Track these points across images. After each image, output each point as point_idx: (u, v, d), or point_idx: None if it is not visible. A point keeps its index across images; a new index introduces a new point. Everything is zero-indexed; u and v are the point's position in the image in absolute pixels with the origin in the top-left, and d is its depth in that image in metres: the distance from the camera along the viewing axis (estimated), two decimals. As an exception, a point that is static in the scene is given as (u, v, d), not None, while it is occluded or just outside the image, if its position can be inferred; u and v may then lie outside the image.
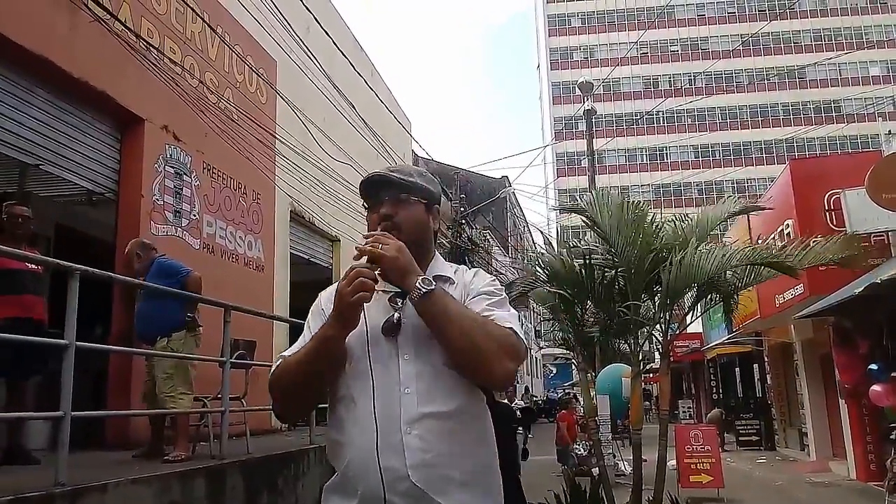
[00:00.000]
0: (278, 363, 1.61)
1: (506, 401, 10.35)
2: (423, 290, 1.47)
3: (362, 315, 1.50)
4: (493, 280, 1.70)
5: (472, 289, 1.63)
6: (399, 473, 1.42)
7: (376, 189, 1.65)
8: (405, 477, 1.42)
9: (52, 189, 7.00)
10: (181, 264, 5.46)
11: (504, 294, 1.65)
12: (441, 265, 1.69)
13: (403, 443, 1.43)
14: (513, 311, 1.62)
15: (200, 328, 5.39)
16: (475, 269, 1.75)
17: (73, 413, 3.50)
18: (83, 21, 6.15)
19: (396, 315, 1.53)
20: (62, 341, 3.54)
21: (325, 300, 1.67)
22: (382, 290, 1.54)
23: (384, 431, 1.44)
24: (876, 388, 8.65)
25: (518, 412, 10.18)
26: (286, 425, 9.18)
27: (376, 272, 1.48)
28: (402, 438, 1.43)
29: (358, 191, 1.74)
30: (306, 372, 1.52)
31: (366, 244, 1.50)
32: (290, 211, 10.21)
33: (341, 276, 1.49)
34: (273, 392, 1.59)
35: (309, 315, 1.71)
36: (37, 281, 4.79)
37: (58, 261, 3.95)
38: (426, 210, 1.68)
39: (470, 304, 1.58)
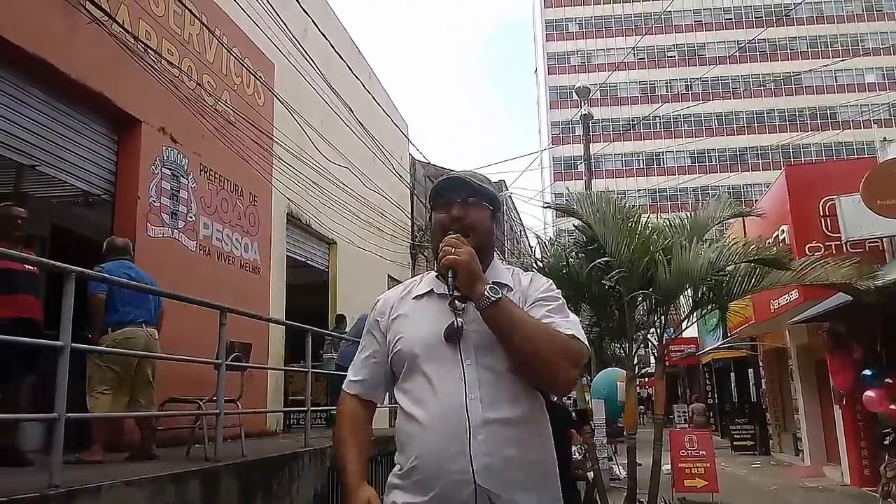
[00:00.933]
0: (343, 389, 1.78)
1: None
2: (493, 299, 1.51)
3: (424, 319, 1.62)
4: (550, 284, 1.73)
5: (530, 294, 1.67)
6: (466, 477, 1.47)
7: (449, 191, 1.70)
8: (472, 480, 1.46)
9: (48, 190, 6.99)
10: (98, 283, 4.94)
11: (562, 299, 1.69)
12: (499, 270, 1.73)
13: (471, 448, 1.48)
14: (573, 316, 1.66)
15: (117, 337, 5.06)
16: (530, 274, 1.79)
17: (67, 415, 3.49)
18: (81, 22, 6.15)
19: (459, 321, 1.56)
20: (57, 343, 3.52)
21: (380, 306, 1.75)
22: (438, 293, 1.59)
23: (451, 436, 1.48)
24: (870, 393, 8.66)
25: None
26: (280, 428, 9.18)
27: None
28: (469, 443, 1.48)
29: (423, 192, 1.83)
30: None
31: (442, 246, 1.57)
32: (287, 213, 10.20)
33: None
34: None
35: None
36: (33, 281, 4.77)
37: (53, 262, 3.93)
38: (491, 216, 1.73)
39: (528, 310, 1.61)
